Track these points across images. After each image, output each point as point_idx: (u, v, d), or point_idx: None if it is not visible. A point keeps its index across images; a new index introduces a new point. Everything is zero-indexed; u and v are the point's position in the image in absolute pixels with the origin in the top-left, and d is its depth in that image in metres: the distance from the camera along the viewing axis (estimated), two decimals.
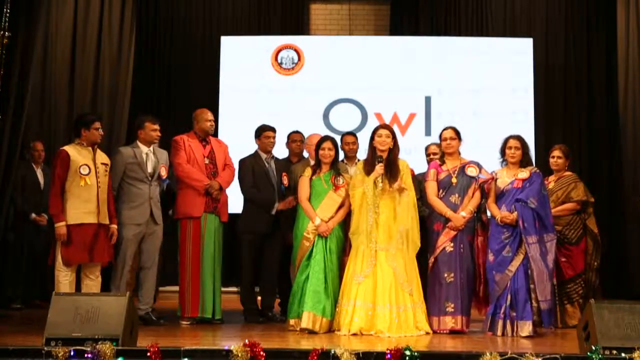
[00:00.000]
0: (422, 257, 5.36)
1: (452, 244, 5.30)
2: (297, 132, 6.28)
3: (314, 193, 5.48)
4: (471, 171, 5.43)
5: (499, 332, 5.08)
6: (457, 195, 5.37)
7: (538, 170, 5.38)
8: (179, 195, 5.72)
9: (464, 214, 5.30)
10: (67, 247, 5.09)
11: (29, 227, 6.54)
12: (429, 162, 6.01)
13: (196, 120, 5.85)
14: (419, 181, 5.67)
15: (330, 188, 5.46)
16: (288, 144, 6.26)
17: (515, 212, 5.16)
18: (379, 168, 5.23)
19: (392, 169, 5.26)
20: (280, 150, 6.26)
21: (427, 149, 6.21)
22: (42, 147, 6.71)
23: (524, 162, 5.33)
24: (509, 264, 5.16)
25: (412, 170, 5.55)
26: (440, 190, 5.42)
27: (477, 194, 5.39)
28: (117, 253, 5.43)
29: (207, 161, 5.75)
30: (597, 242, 5.90)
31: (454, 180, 5.40)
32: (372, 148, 5.34)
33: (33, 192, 6.56)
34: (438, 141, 5.72)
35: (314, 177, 5.52)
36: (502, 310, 5.10)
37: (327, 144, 5.52)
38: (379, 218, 5.20)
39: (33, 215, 6.52)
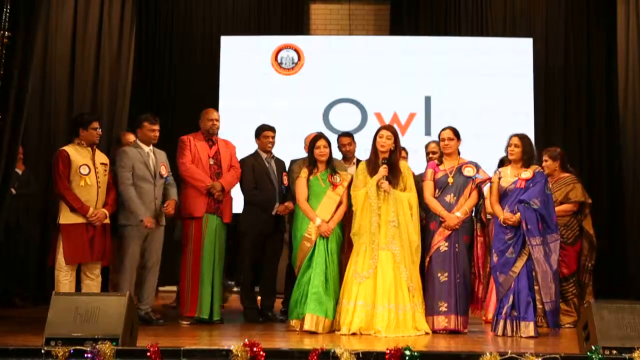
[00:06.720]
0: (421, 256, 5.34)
1: (446, 244, 5.29)
2: (347, 134, 6.28)
3: (312, 193, 5.46)
4: (468, 171, 5.40)
5: (500, 332, 5.08)
6: (452, 194, 5.35)
7: (542, 170, 5.36)
8: (182, 195, 5.73)
9: (458, 214, 5.29)
10: (68, 246, 5.09)
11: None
12: (428, 160, 6.01)
13: (201, 120, 5.86)
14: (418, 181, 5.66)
15: (327, 187, 5.45)
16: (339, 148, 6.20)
17: (518, 214, 5.15)
18: (383, 170, 5.22)
19: (393, 171, 5.26)
20: (281, 150, 6.25)
21: (427, 147, 6.19)
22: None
23: (526, 161, 5.29)
24: (512, 265, 5.14)
25: (412, 172, 5.56)
26: (437, 190, 5.41)
27: (474, 194, 5.37)
28: (124, 253, 5.43)
29: (211, 162, 5.75)
30: (592, 244, 5.91)
31: (450, 180, 5.38)
32: (374, 149, 5.34)
33: None
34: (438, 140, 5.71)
35: (311, 177, 5.50)
36: (504, 311, 5.10)
37: (322, 142, 5.51)
38: (380, 219, 5.20)
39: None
